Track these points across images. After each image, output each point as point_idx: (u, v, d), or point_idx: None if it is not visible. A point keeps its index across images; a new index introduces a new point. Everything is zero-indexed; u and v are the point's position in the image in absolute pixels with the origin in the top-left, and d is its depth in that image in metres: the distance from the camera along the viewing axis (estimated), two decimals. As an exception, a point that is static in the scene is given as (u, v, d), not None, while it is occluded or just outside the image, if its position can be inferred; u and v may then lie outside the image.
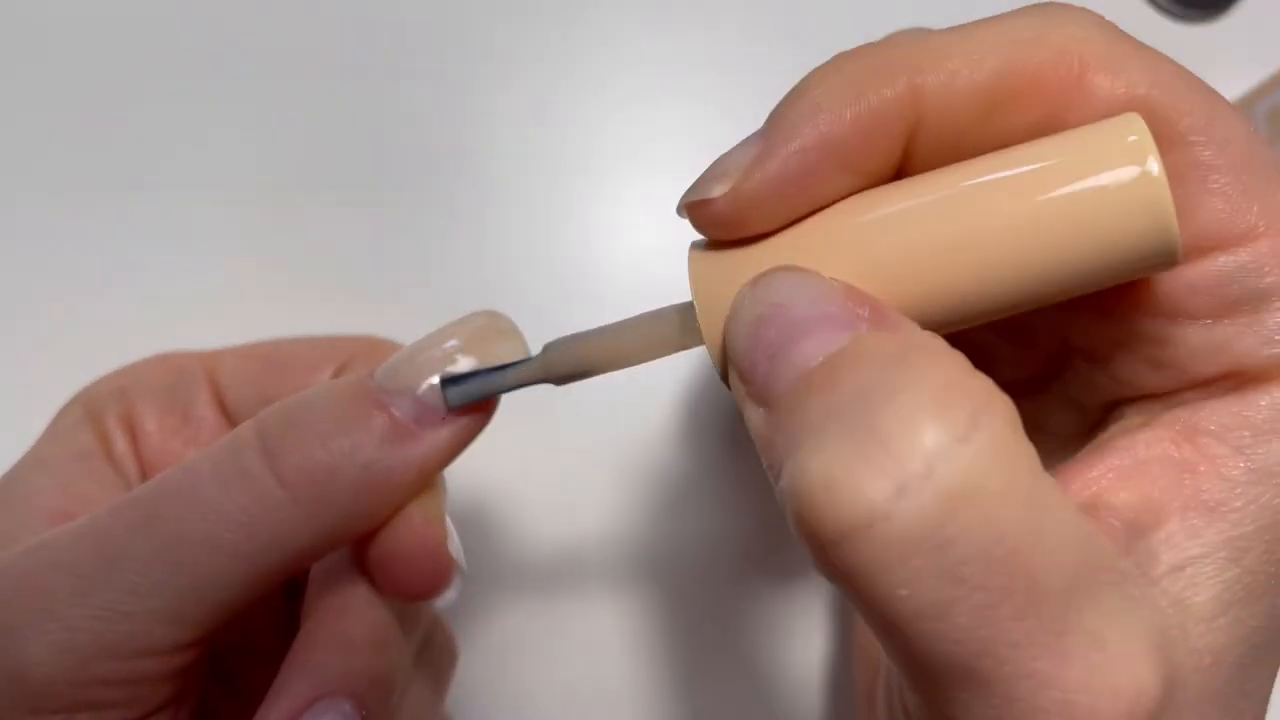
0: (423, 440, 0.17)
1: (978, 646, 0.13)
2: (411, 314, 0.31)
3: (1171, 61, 0.16)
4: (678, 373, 0.31)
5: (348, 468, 0.17)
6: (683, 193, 0.17)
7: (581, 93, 0.34)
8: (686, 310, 0.17)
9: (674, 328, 0.18)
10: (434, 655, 0.21)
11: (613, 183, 0.33)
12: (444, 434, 0.18)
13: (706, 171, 0.17)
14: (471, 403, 0.18)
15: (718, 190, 0.16)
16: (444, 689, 0.22)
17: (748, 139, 0.17)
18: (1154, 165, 0.15)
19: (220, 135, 0.33)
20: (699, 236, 0.18)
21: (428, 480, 0.18)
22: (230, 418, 0.22)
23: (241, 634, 0.21)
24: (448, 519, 0.19)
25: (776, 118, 0.16)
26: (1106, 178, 0.15)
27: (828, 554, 0.13)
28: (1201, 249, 0.16)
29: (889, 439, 0.13)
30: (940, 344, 0.14)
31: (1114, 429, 0.17)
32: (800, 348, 0.14)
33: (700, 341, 0.17)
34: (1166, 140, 0.16)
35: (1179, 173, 0.16)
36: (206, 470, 0.17)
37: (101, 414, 0.21)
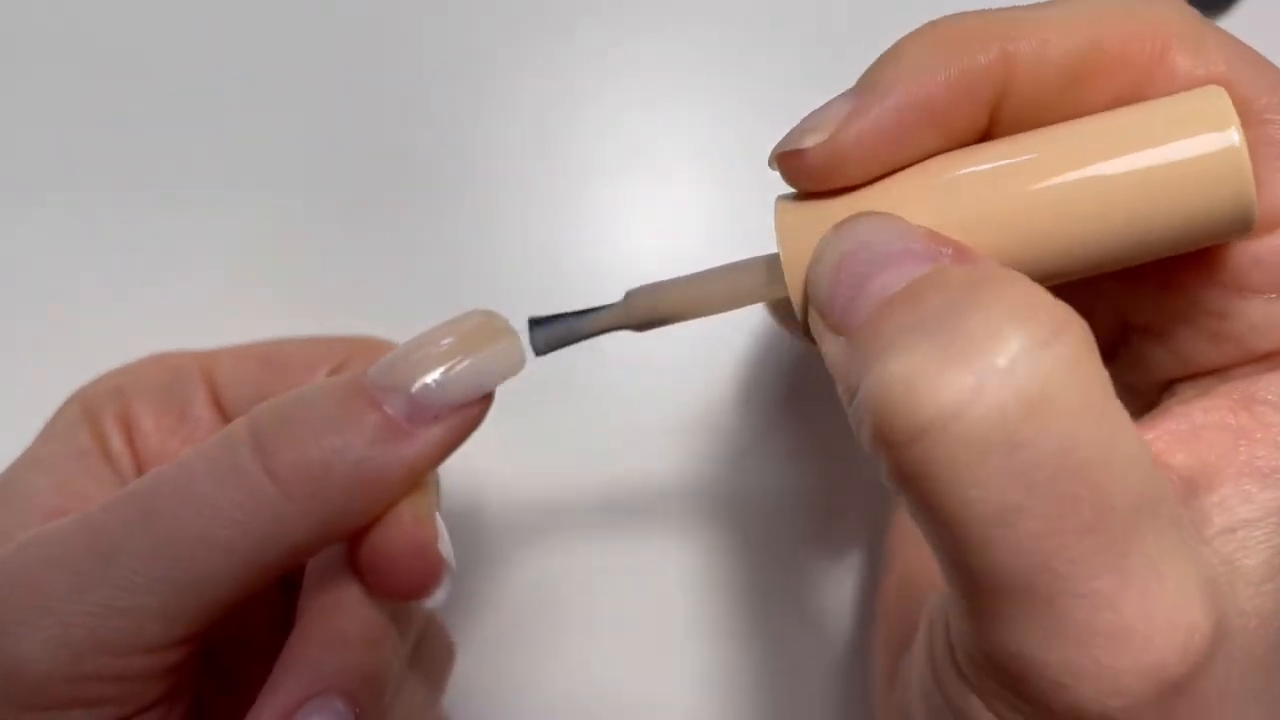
0: (415, 438, 0.17)
1: (1040, 559, 0.13)
2: (411, 315, 0.31)
3: (1246, 46, 0.17)
4: (664, 381, 0.31)
5: (340, 464, 0.17)
6: (774, 144, 0.18)
7: (581, 95, 0.34)
8: (772, 260, 0.18)
9: (759, 276, 0.18)
10: (429, 653, 0.21)
11: (613, 186, 0.33)
12: (436, 432, 0.18)
13: (799, 124, 0.18)
14: (554, 348, 0.18)
15: (811, 141, 0.17)
16: (440, 687, 0.22)
17: (840, 96, 0.17)
18: (1236, 135, 0.16)
19: (219, 137, 0.33)
20: (769, 202, 0.18)
21: (419, 478, 0.18)
22: (227, 417, 0.22)
23: (237, 629, 0.21)
24: (439, 519, 0.19)
25: (872, 77, 0.17)
26: (1191, 145, 0.16)
27: (904, 454, 0.13)
28: (1269, 224, 0.17)
29: (972, 341, 0.13)
30: (1021, 275, 0.15)
31: (1170, 403, 0.18)
32: (882, 278, 0.15)
33: (783, 290, 0.17)
34: (1242, 118, 0.16)
35: (1253, 149, 0.16)
36: (201, 466, 0.17)
37: (98, 413, 0.21)
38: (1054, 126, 0.17)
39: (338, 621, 0.18)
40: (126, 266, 0.31)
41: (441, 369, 0.18)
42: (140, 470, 0.22)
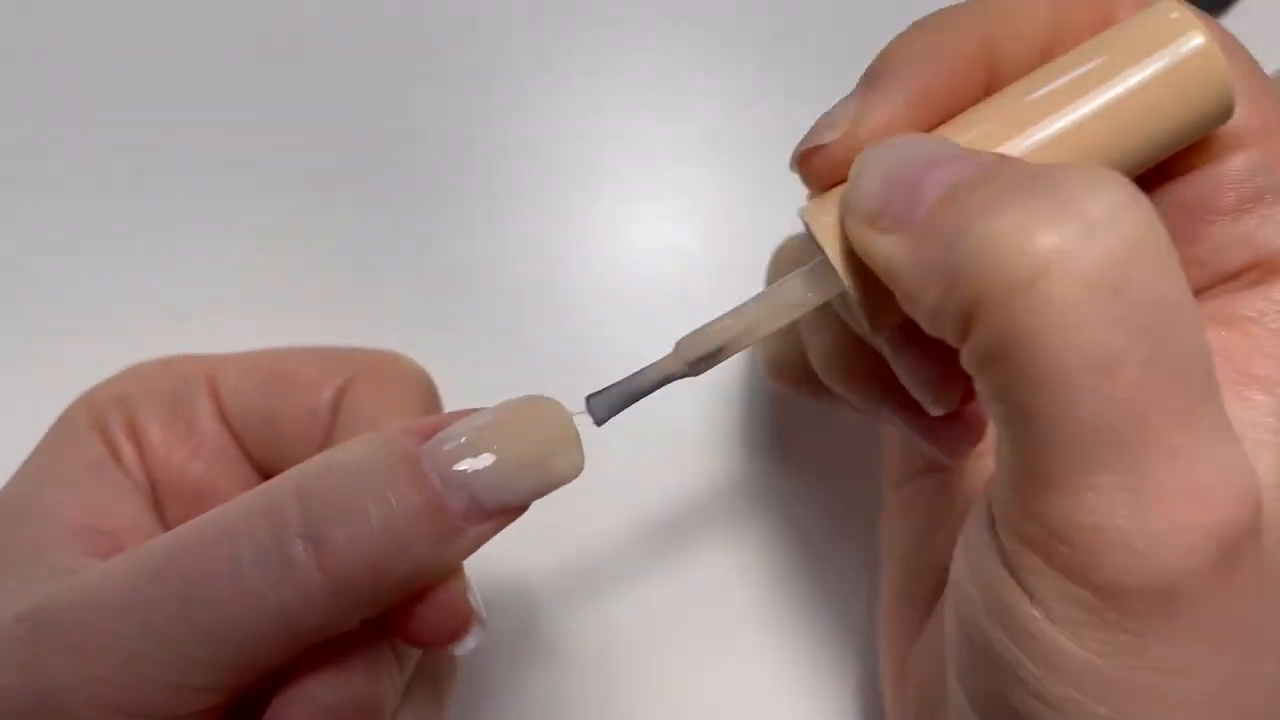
0: (468, 535, 0.17)
1: (1137, 409, 0.14)
2: (411, 314, 0.31)
3: None
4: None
5: (397, 565, 0.17)
6: (791, 150, 0.19)
7: (582, 95, 0.34)
8: (808, 272, 0.19)
9: (797, 290, 0.19)
10: (433, 670, 0.21)
11: (614, 185, 0.33)
12: (486, 528, 0.17)
13: (815, 126, 0.19)
14: (614, 413, 0.18)
15: (831, 136, 0.18)
16: (443, 703, 0.22)
17: (848, 97, 0.19)
18: (1200, 35, 0.17)
19: (218, 138, 0.33)
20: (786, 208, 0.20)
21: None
22: (232, 429, 0.22)
23: None
24: (465, 570, 0.19)
25: (874, 74, 0.19)
26: (1161, 56, 0.17)
27: (1010, 306, 0.14)
28: (1228, 146, 0.18)
29: (1071, 194, 0.14)
30: None
31: None
32: (939, 173, 0.16)
33: (823, 295, 0.18)
34: None
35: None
36: (247, 550, 0.16)
37: (107, 422, 0.21)
38: (1033, 73, 0.18)
39: (339, 654, 0.18)
40: (126, 266, 0.31)
41: (502, 460, 0.17)
42: (151, 480, 0.21)
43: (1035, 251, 0.14)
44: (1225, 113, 0.17)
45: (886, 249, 0.16)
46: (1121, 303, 0.14)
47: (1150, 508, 0.14)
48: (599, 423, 0.18)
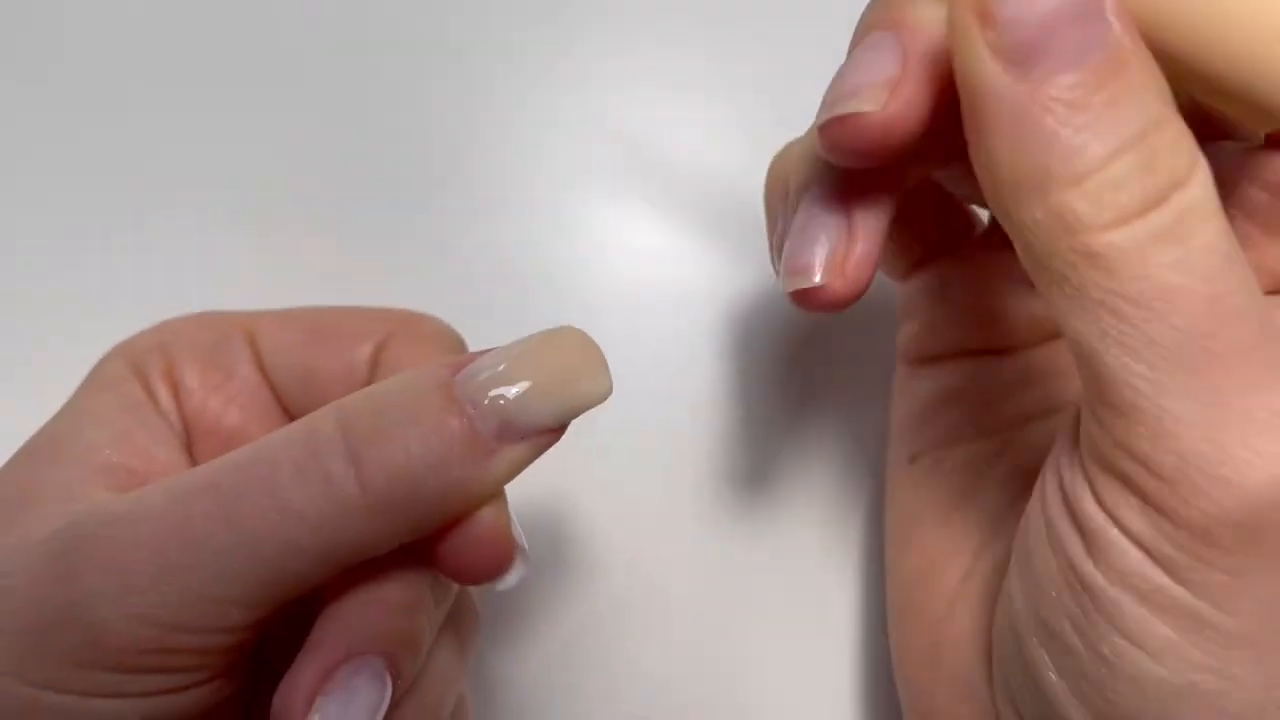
0: (502, 457, 0.18)
1: (1203, 336, 0.15)
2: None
3: None
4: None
5: (433, 483, 0.17)
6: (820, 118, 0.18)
7: (583, 95, 0.34)
8: None
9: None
10: (459, 621, 0.22)
11: (614, 185, 0.33)
12: (520, 451, 0.18)
13: (835, 93, 0.17)
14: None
15: (869, 104, 0.17)
16: (467, 654, 0.22)
17: (868, 61, 0.17)
18: None
19: (219, 138, 0.33)
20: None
21: (499, 490, 0.18)
22: (270, 382, 0.22)
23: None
24: (508, 504, 0.19)
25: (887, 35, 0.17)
26: None
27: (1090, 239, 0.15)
28: None
29: (1160, 160, 0.15)
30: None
31: None
32: (1072, 35, 0.15)
33: None
34: None
35: None
36: (288, 468, 0.17)
37: (145, 368, 0.22)
38: None
39: (378, 586, 0.18)
40: (126, 266, 0.31)
41: (530, 386, 0.18)
42: (186, 426, 0.22)
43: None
44: None
45: (987, 69, 0.15)
46: (1184, 249, 0.15)
47: (1232, 433, 0.15)
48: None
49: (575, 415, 0.18)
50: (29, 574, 0.17)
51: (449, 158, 0.33)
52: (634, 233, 0.32)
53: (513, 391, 0.17)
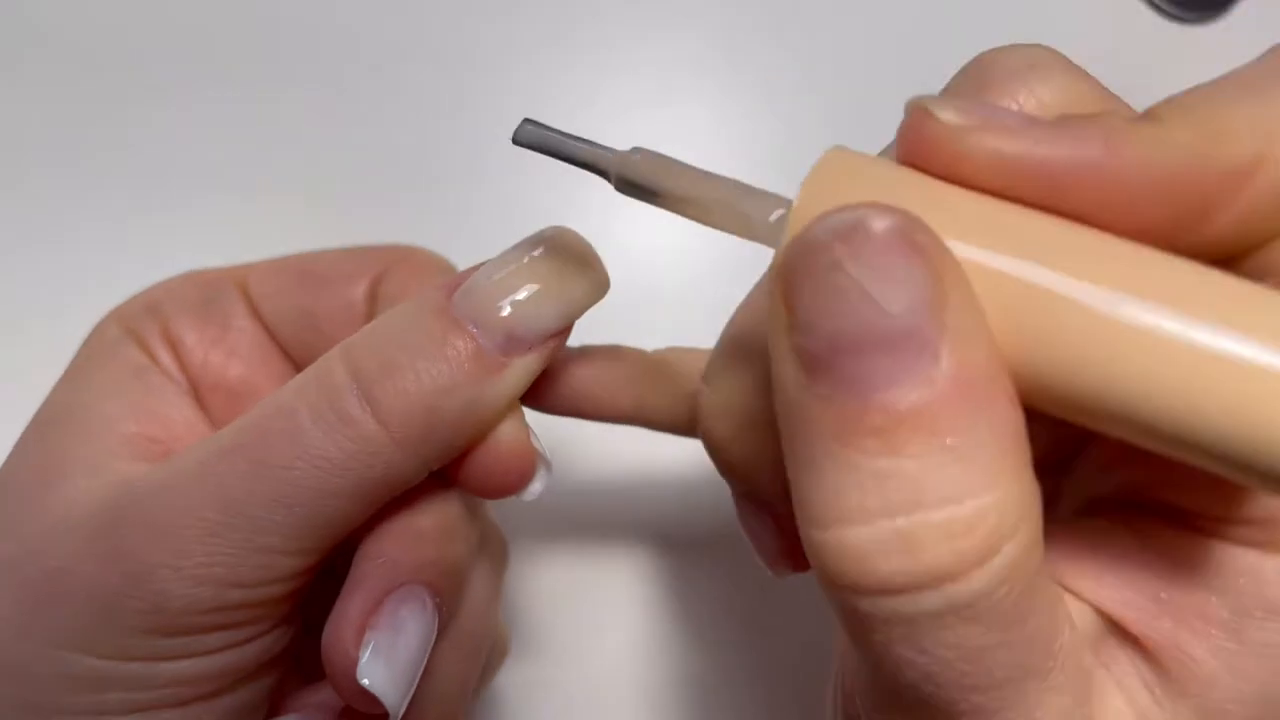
0: (512, 369, 0.18)
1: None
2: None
3: None
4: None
5: (449, 407, 0.17)
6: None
7: (583, 94, 0.34)
8: (778, 210, 0.15)
9: (763, 210, 0.15)
10: (490, 548, 0.22)
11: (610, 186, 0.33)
12: (529, 360, 0.18)
13: (952, 92, 0.16)
14: (532, 148, 0.16)
15: (951, 118, 0.14)
16: (499, 580, 0.23)
17: (1028, 120, 0.14)
18: None
19: (222, 132, 0.33)
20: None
21: (514, 402, 0.19)
22: (268, 329, 0.22)
23: None
24: (525, 415, 0.19)
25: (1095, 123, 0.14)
26: None
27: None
28: None
29: (925, 547, 0.12)
30: (1009, 440, 0.13)
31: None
32: (873, 364, 0.12)
33: (777, 241, 0.15)
34: None
35: None
36: (306, 415, 0.17)
37: (141, 330, 0.21)
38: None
39: (415, 517, 0.18)
40: (126, 263, 0.31)
41: (528, 294, 0.18)
42: (192, 384, 0.22)
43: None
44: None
45: (788, 372, 0.13)
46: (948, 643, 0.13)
47: None
48: (515, 142, 0.16)
49: (578, 315, 0.18)
50: (78, 555, 0.17)
51: (449, 158, 0.33)
52: (634, 233, 0.32)
53: (512, 302, 0.18)
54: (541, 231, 0.19)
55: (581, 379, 0.21)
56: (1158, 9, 0.36)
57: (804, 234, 0.13)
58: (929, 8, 0.35)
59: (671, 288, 0.32)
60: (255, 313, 0.22)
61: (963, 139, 0.13)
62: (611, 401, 0.21)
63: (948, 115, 0.14)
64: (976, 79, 0.16)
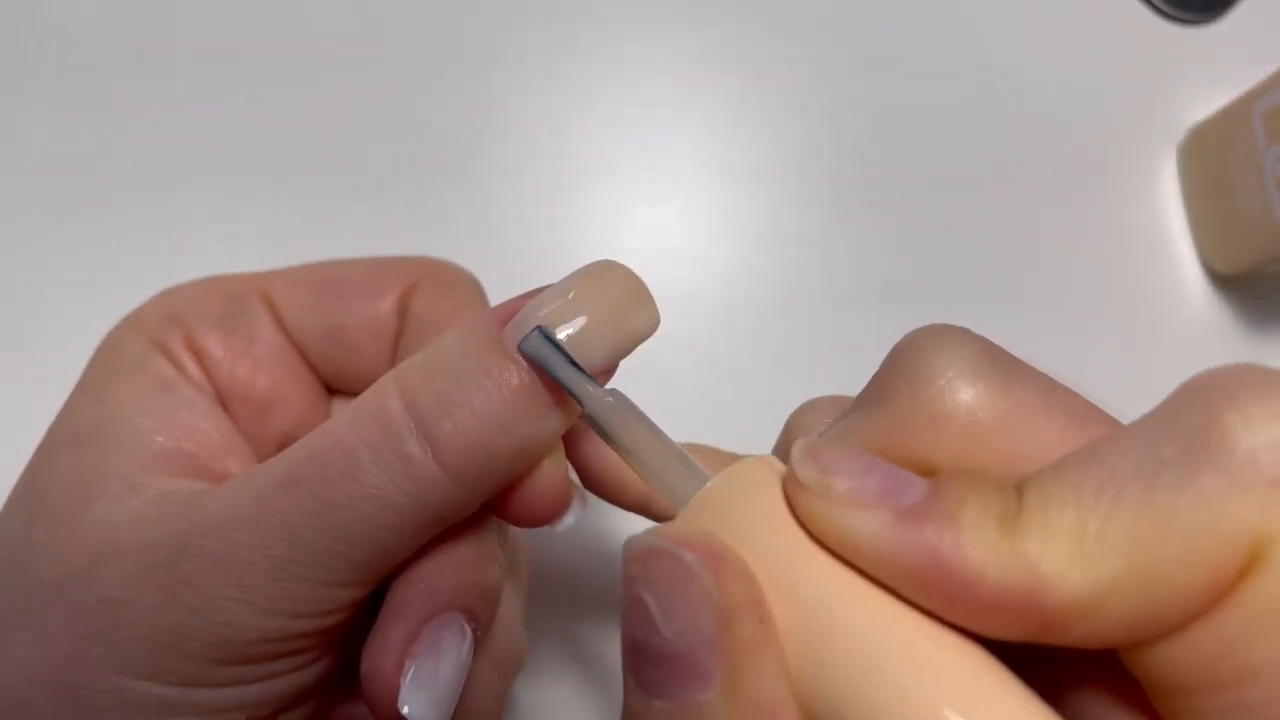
0: (565, 405, 0.18)
1: None
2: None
3: None
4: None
5: (505, 444, 0.17)
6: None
7: (584, 95, 0.34)
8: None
9: (688, 488, 0.16)
10: (515, 560, 0.22)
11: (615, 185, 0.33)
12: None
13: (810, 453, 0.14)
14: (533, 358, 0.17)
15: (810, 478, 0.14)
16: (524, 593, 0.23)
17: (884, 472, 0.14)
18: None
19: (227, 131, 0.33)
20: None
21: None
22: (292, 341, 0.22)
23: None
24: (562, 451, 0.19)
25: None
26: None
27: None
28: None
29: None
30: None
31: None
32: (653, 673, 0.13)
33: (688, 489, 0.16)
34: None
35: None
36: (366, 454, 0.17)
37: (164, 341, 0.21)
38: None
39: (453, 543, 0.19)
40: (123, 261, 0.31)
41: (578, 329, 0.17)
42: (220, 396, 0.22)
43: None
44: None
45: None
46: None
47: None
48: (519, 348, 0.17)
49: (629, 351, 0.18)
50: (137, 586, 0.17)
51: (449, 158, 0.33)
52: (634, 232, 0.33)
53: (564, 336, 0.17)
54: (591, 265, 0.18)
55: (598, 458, 0.20)
56: (1158, 9, 0.36)
57: (629, 543, 0.14)
58: (929, 8, 0.35)
59: (677, 288, 0.32)
60: (280, 324, 0.22)
61: (813, 504, 0.14)
62: (618, 491, 0.21)
63: (806, 476, 0.14)
64: (892, 388, 0.15)
